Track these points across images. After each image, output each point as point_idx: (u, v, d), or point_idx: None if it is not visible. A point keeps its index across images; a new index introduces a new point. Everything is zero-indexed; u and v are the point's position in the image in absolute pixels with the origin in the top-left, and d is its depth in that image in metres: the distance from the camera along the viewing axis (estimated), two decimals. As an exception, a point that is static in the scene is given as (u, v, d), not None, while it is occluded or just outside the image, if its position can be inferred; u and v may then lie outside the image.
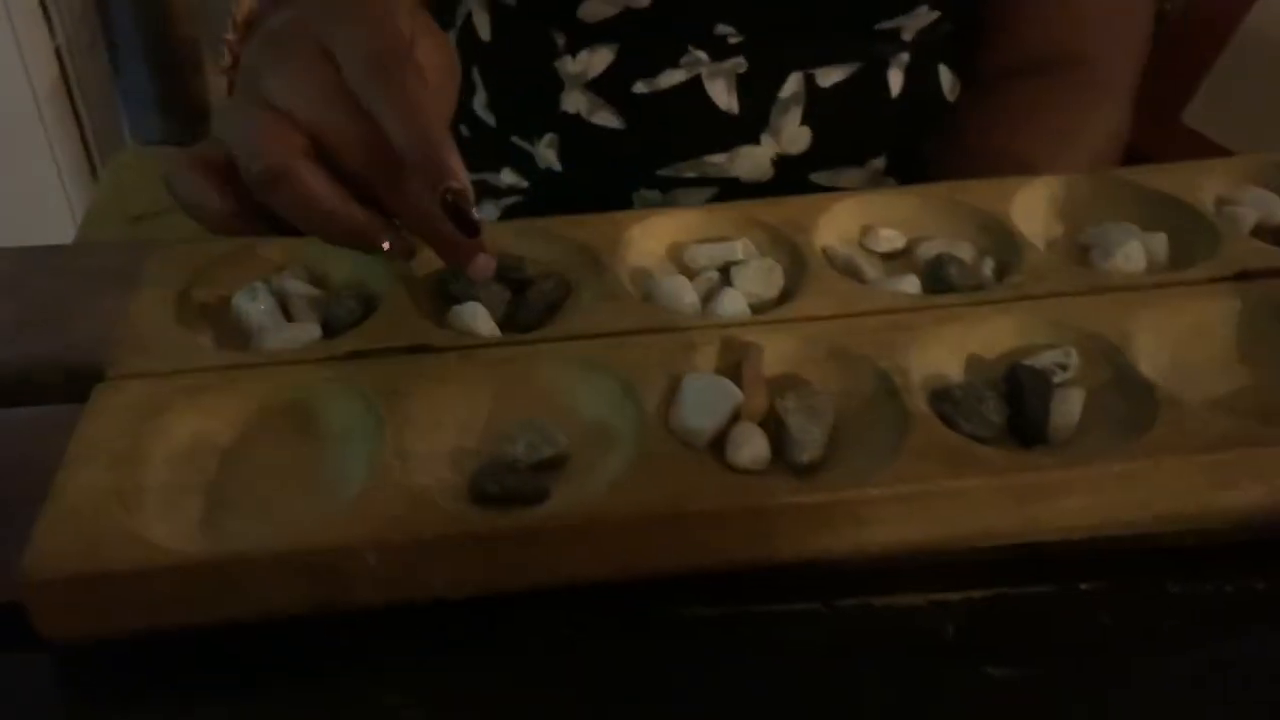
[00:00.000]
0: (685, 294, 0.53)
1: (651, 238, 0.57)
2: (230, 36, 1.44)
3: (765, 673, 0.41)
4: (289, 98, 0.46)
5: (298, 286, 0.54)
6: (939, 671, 0.41)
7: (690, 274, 0.55)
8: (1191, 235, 0.56)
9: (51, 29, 1.69)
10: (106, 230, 1.27)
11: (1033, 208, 0.59)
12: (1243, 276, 0.52)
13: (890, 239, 0.58)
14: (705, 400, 0.46)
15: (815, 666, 0.41)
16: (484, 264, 0.47)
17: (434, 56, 0.50)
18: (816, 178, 0.74)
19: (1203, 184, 0.59)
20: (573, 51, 0.71)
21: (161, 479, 0.45)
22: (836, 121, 0.72)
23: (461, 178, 0.44)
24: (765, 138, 0.72)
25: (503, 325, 0.51)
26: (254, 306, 0.52)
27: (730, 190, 0.73)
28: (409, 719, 0.39)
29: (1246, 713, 0.39)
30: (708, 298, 0.53)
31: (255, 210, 0.46)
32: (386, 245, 0.47)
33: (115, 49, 1.81)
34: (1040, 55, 0.75)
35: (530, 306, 0.52)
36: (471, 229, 0.45)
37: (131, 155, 1.51)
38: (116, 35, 1.79)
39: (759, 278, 0.54)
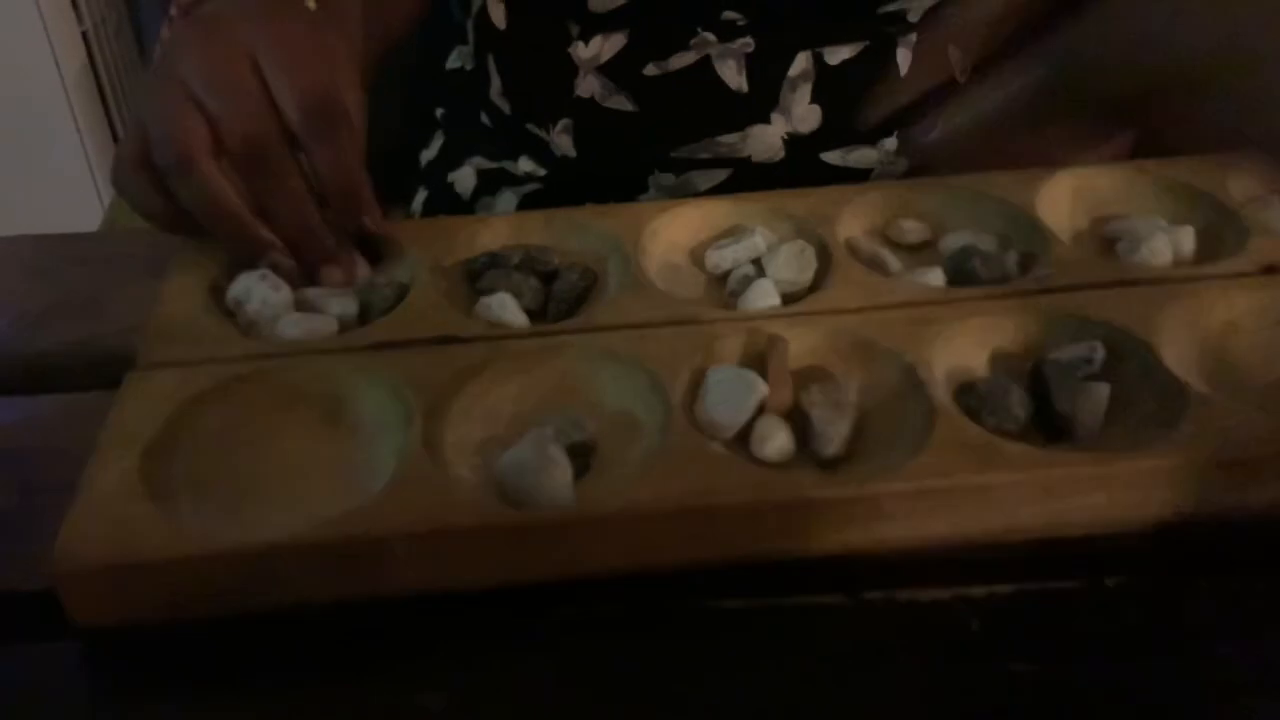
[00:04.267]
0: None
1: (677, 228, 0.57)
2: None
3: (789, 666, 0.41)
4: (205, 88, 0.51)
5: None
6: (963, 665, 0.41)
7: (716, 277, 0.55)
8: (1218, 229, 0.56)
9: (79, 14, 1.69)
10: (134, 217, 1.28)
11: (1058, 200, 0.59)
12: (1270, 271, 0.52)
13: (914, 231, 0.58)
14: (730, 393, 0.46)
15: (839, 660, 0.41)
16: (333, 274, 0.54)
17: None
18: (827, 157, 0.74)
19: (1229, 176, 0.59)
20: (585, 38, 0.72)
21: (191, 468, 0.45)
22: (846, 99, 0.72)
23: (377, 215, 0.54)
24: (776, 116, 0.72)
25: (531, 316, 0.52)
26: (263, 291, 0.52)
27: (743, 171, 0.73)
28: (435, 710, 0.39)
29: (1275, 711, 0.39)
30: (738, 290, 0.53)
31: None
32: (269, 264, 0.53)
33: (142, 33, 1.82)
34: None
35: (558, 298, 0.52)
36: (374, 257, 0.55)
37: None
38: (144, 19, 1.80)
39: (791, 263, 0.54)
